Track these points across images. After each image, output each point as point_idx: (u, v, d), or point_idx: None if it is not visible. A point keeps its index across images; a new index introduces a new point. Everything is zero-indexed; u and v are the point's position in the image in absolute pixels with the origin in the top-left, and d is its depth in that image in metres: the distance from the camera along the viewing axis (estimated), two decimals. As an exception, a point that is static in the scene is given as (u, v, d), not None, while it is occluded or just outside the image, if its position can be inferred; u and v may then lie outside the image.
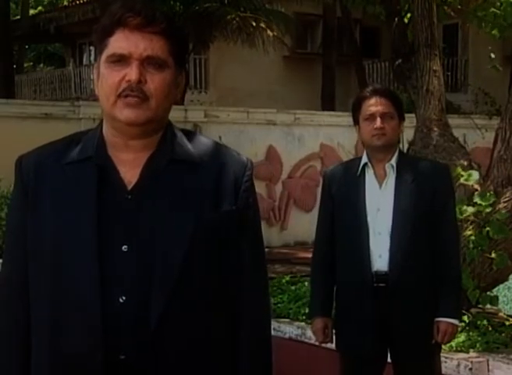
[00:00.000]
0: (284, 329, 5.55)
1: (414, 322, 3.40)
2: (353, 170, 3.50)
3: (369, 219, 3.39)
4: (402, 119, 3.50)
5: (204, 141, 1.91)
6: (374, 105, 3.42)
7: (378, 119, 3.39)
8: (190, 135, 1.90)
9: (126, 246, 1.76)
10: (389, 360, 3.54)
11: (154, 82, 1.76)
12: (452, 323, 3.41)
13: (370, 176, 3.45)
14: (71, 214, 1.78)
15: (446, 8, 8.75)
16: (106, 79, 1.78)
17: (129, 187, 1.80)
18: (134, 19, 1.76)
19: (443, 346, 4.81)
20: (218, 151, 1.90)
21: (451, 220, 3.50)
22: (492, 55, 8.75)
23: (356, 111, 3.49)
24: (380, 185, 3.44)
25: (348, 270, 3.45)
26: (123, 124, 1.78)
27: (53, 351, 1.78)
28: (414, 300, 3.39)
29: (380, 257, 3.37)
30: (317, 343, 3.73)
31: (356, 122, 3.51)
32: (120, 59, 1.76)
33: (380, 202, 3.41)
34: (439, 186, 3.44)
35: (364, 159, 3.47)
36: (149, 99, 1.76)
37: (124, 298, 1.74)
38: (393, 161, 3.44)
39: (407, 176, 3.42)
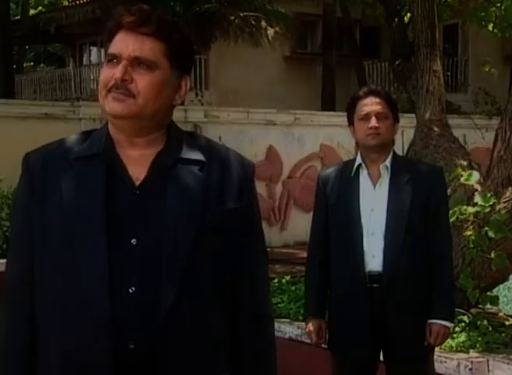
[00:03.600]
0: (284, 329, 5.56)
1: (408, 323, 3.40)
2: (347, 171, 3.50)
3: (363, 219, 3.40)
4: (396, 120, 3.50)
5: (207, 142, 1.97)
6: (369, 104, 3.42)
7: (373, 119, 3.39)
8: (194, 136, 1.97)
9: (134, 239, 1.81)
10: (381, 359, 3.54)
11: (142, 82, 1.83)
12: (444, 325, 3.41)
13: (364, 177, 3.46)
14: (80, 209, 1.83)
15: (447, 9, 8.76)
16: (101, 75, 1.87)
17: (137, 183, 1.85)
18: (128, 18, 1.84)
19: (442, 346, 4.82)
20: (222, 151, 1.96)
21: (444, 222, 3.50)
22: (486, 57, 8.76)
23: (351, 111, 3.50)
24: (374, 186, 3.44)
25: (341, 270, 3.46)
26: (112, 117, 1.86)
27: (62, 344, 1.82)
28: (408, 301, 3.39)
29: (373, 257, 3.37)
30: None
31: (351, 122, 3.51)
32: (113, 59, 1.85)
33: (374, 203, 3.41)
34: (434, 188, 3.44)
35: (359, 160, 3.48)
36: (135, 97, 1.82)
37: (134, 288, 1.79)
38: (388, 162, 3.44)
39: (401, 177, 3.42)
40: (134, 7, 1.86)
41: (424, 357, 3.52)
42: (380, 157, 3.44)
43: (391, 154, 3.47)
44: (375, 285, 3.36)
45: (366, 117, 3.41)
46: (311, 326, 3.53)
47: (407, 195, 3.39)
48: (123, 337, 1.78)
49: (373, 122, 3.38)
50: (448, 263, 3.49)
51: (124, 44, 1.84)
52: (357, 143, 3.55)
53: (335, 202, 3.49)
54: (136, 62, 1.83)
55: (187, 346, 1.83)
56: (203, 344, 1.85)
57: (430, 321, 3.40)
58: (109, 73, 1.84)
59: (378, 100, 3.43)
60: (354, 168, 3.47)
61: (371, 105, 3.42)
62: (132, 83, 1.82)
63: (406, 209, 3.37)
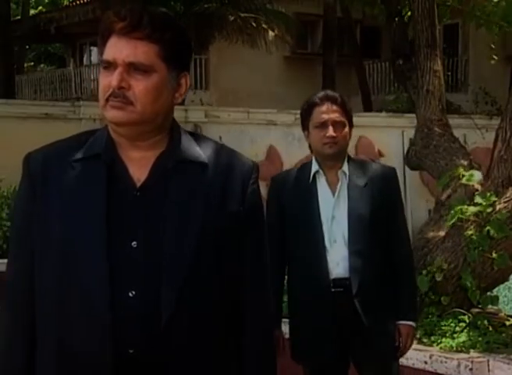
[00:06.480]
0: (284, 329, 5.54)
1: (377, 324, 3.36)
2: (304, 178, 3.43)
3: (324, 227, 3.34)
4: (351, 125, 3.42)
5: (210, 143, 1.95)
6: (325, 112, 3.33)
7: (330, 128, 3.31)
8: (196, 137, 1.94)
9: (135, 242, 1.79)
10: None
11: (139, 87, 1.79)
12: (412, 326, 3.42)
13: (322, 184, 3.40)
14: (80, 211, 1.81)
15: (447, 9, 8.74)
16: (99, 84, 1.84)
17: (138, 185, 1.83)
18: (118, 24, 1.80)
19: (442, 346, 4.83)
20: (225, 153, 1.94)
21: (401, 221, 3.48)
22: (492, 46, 8.74)
23: (306, 117, 3.41)
24: (333, 193, 3.38)
25: (305, 280, 3.40)
26: (113, 125, 1.83)
27: (61, 346, 1.80)
28: (374, 303, 3.35)
29: (338, 265, 3.32)
30: None
31: (305, 128, 3.43)
32: (108, 65, 1.81)
33: (334, 210, 3.36)
34: (389, 189, 3.42)
35: (315, 167, 3.40)
36: (133, 103, 1.79)
37: (134, 292, 1.77)
38: (345, 167, 3.38)
39: (358, 181, 3.38)
40: (124, 10, 1.81)
41: (394, 358, 3.49)
42: (336, 164, 3.39)
43: (346, 158, 3.42)
44: (339, 289, 3.31)
45: (323, 125, 3.33)
46: None
47: (366, 200, 3.35)
48: (122, 342, 1.76)
49: (330, 131, 3.31)
50: (409, 263, 3.48)
51: (117, 49, 1.80)
52: (310, 147, 3.47)
53: (294, 211, 3.42)
54: (132, 67, 1.79)
55: (189, 352, 1.80)
56: (205, 350, 1.83)
57: (398, 322, 3.39)
58: (106, 81, 1.80)
59: (335, 107, 3.34)
60: (312, 175, 3.41)
61: (327, 112, 3.33)
62: (130, 90, 1.78)
63: (367, 214, 3.33)
